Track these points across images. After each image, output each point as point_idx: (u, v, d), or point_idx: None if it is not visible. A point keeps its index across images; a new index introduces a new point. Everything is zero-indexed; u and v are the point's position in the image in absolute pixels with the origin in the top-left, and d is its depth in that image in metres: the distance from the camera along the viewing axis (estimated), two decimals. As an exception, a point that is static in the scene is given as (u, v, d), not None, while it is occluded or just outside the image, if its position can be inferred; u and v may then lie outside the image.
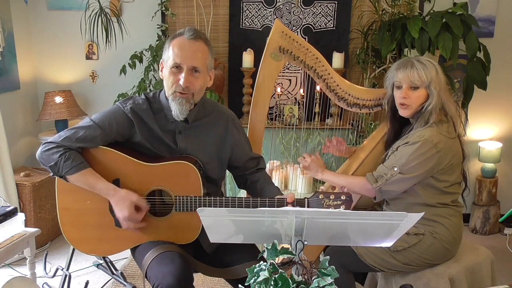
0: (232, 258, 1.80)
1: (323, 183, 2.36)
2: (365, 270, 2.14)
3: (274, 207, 1.72)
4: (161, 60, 1.82)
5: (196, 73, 1.74)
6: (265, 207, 1.72)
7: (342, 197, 1.71)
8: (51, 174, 1.74)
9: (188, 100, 1.75)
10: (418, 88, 1.94)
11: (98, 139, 1.75)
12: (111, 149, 1.77)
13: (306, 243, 1.23)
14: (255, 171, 1.96)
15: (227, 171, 2.00)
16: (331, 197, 1.71)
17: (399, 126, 2.10)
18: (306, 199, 1.73)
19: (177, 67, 1.73)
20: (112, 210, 1.76)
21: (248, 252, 1.78)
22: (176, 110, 1.75)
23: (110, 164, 1.76)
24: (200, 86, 1.76)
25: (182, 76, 1.72)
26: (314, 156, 2.16)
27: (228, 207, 1.73)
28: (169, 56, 1.74)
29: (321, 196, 1.71)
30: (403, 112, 2.00)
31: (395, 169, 1.89)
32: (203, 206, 1.71)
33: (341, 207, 1.71)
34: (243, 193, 2.46)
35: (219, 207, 1.73)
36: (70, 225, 1.80)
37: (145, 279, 1.71)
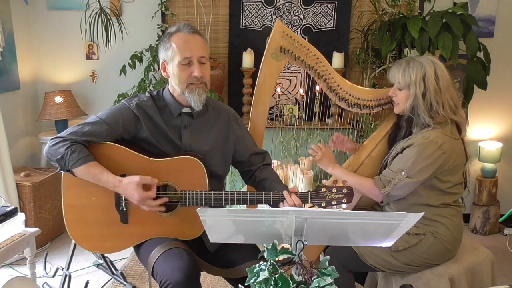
0: (234, 257, 1.81)
1: (329, 176, 2.34)
2: (366, 270, 2.14)
3: (279, 200, 1.75)
4: (161, 61, 1.84)
5: (204, 64, 1.80)
6: (270, 201, 1.76)
7: (343, 191, 1.75)
8: (58, 169, 1.74)
9: (204, 90, 1.81)
10: (402, 89, 1.96)
11: (104, 134, 1.76)
12: (117, 144, 1.78)
13: (306, 243, 1.23)
14: (262, 167, 1.98)
15: (233, 168, 2.02)
16: (333, 191, 1.74)
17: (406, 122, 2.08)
18: (309, 192, 1.75)
19: (187, 62, 1.77)
20: (117, 207, 1.77)
21: (250, 252, 1.79)
22: (196, 101, 1.79)
23: (117, 159, 1.77)
24: (209, 75, 1.83)
25: (194, 68, 1.77)
26: (326, 148, 2.15)
27: (234, 201, 1.76)
28: (173, 53, 1.78)
29: (323, 190, 1.75)
30: (394, 108, 2.05)
31: (403, 173, 1.88)
32: (210, 201, 1.74)
33: (343, 200, 1.73)
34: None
35: (225, 202, 1.75)
36: (75, 221, 1.80)
37: (151, 276, 1.71)
